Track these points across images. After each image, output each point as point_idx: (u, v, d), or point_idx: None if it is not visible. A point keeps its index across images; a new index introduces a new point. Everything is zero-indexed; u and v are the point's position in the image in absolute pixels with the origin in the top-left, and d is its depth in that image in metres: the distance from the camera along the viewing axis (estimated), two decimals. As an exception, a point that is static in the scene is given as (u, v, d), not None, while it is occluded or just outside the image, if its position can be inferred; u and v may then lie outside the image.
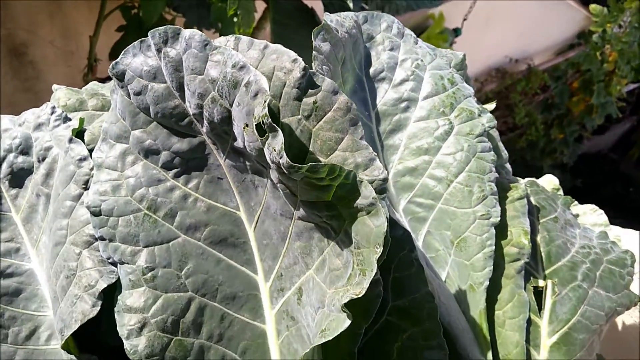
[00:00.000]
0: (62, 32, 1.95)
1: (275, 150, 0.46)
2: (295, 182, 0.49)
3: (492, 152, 0.68)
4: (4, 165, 0.66)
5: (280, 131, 0.46)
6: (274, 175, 0.52)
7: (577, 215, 0.80)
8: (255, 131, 0.48)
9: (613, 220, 0.80)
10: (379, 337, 0.56)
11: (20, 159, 0.66)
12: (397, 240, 0.57)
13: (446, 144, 0.68)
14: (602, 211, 0.80)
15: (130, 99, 0.56)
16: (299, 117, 0.51)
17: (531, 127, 4.30)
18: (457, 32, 3.30)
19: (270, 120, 0.46)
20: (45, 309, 0.64)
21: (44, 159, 0.65)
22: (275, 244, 0.57)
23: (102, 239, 0.55)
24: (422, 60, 0.72)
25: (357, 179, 0.48)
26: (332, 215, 0.50)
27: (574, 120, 4.43)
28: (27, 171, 0.66)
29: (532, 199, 0.74)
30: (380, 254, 0.47)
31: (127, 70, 0.55)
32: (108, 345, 0.58)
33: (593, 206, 0.81)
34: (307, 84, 0.51)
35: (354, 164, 0.50)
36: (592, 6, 3.49)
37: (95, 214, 0.55)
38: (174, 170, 0.57)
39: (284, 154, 0.45)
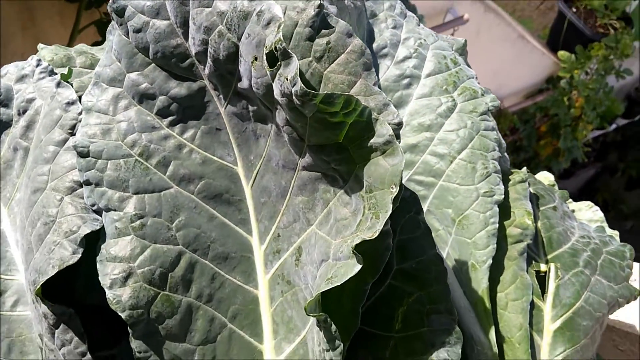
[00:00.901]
0: (34, 45, 1.91)
1: (287, 78, 0.43)
2: (304, 121, 0.46)
3: (496, 132, 0.66)
4: (-20, 116, 0.62)
5: (294, 57, 0.43)
6: (280, 117, 0.49)
7: (572, 211, 0.79)
8: (265, 63, 0.45)
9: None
10: (382, 301, 0.52)
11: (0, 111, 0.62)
12: (403, 202, 0.54)
13: (449, 121, 0.66)
14: (597, 208, 0.79)
15: (128, 38, 0.53)
16: (310, 59, 0.48)
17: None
18: None
19: (284, 45, 0.43)
20: (13, 272, 0.59)
21: (24, 112, 0.61)
22: (273, 202, 0.53)
23: (87, 183, 0.51)
24: (425, 40, 0.70)
25: (373, 116, 0.45)
26: (342, 159, 0.47)
27: (541, 163, 4.51)
28: (5, 124, 0.62)
29: (530, 189, 0.72)
30: (396, 194, 0.43)
31: (129, 5, 0.52)
32: (83, 305, 0.53)
33: (589, 203, 0.80)
34: (320, 23, 0.48)
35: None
36: (561, 53, 3.62)
37: (83, 154, 0.51)
38: (170, 118, 0.54)
39: (299, 79, 0.42)
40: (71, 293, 0.54)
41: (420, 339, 0.50)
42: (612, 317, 0.88)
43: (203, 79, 0.53)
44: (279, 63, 0.44)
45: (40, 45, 0.68)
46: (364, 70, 0.48)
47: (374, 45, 0.69)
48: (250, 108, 0.52)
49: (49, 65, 0.63)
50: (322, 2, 0.48)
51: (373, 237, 0.43)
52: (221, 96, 0.53)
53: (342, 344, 0.45)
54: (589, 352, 0.62)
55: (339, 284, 0.43)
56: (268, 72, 0.45)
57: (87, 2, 1.55)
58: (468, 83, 0.68)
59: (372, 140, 0.45)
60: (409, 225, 0.53)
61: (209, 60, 0.51)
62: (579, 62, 3.61)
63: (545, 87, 4.53)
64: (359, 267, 0.43)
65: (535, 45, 4.15)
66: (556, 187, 0.79)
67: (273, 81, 0.46)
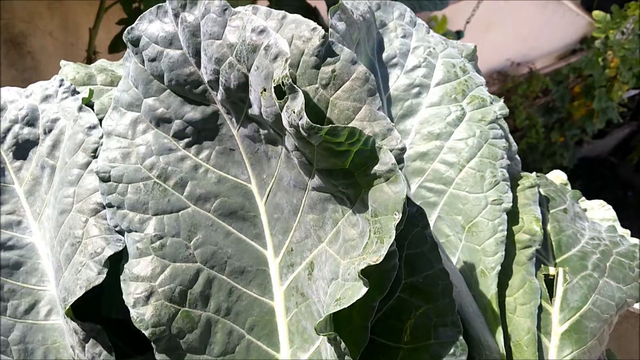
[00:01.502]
0: (62, 23, 1.94)
1: (294, 112, 0.46)
2: (312, 148, 0.48)
3: (504, 140, 0.68)
4: (9, 136, 0.65)
5: (300, 92, 0.45)
6: (289, 142, 0.51)
7: (585, 210, 0.80)
8: (273, 95, 0.47)
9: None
10: (391, 314, 0.55)
11: (26, 130, 0.65)
12: (411, 217, 0.56)
13: (458, 130, 0.68)
14: (610, 207, 0.80)
15: (144, 65, 0.55)
16: (317, 85, 0.50)
17: (531, 129, 4.30)
18: (459, 34, 3.32)
19: (290, 81, 0.45)
20: (45, 284, 0.63)
21: (50, 131, 0.64)
22: (286, 218, 0.56)
23: (110, 206, 0.54)
24: (434, 48, 0.71)
25: (376, 145, 0.47)
26: (349, 183, 0.49)
27: (575, 124, 4.44)
28: (33, 143, 0.65)
29: (541, 191, 0.73)
30: (399, 221, 0.46)
31: (143, 36, 0.54)
32: (110, 318, 0.56)
33: (601, 201, 0.81)
34: (326, 52, 0.50)
35: (372, 134, 0.49)
36: (595, 12, 3.51)
37: (104, 179, 0.54)
38: (186, 140, 0.56)
39: (304, 114, 0.45)
40: (98, 308, 0.57)
41: (427, 350, 0.52)
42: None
43: (216, 104, 0.55)
44: (286, 96, 0.46)
45: (62, 62, 0.71)
46: (368, 96, 0.50)
47: (384, 54, 0.71)
48: (262, 131, 0.54)
49: (71, 84, 0.66)
50: (326, 33, 0.50)
51: (378, 262, 0.45)
52: (234, 119, 0.55)
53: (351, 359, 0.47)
54: (597, 353, 0.64)
55: (346, 305, 0.46)
56: (276, 103, 0.48)
57: None
58: (477, 91, 0.69)
59: (375, 167, 0.47)
60: (417, 240, 0.55)
61: (220, 88, 0.53)
62: (614, 22, 3.51)
63: (579, 48, 4.42)
64: (366, 289, 0.45)
65: (568, 5, 4.04)
66: (568, 187, 0.80)
67: (281, 111, 0.48)
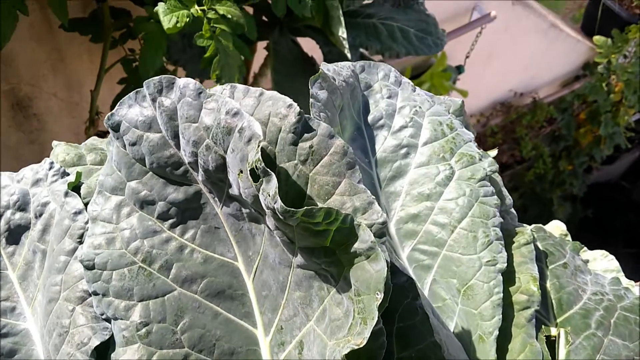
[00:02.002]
0: (65, 84, 1.98)
1: (269, 195, 0.45)
2: (291, 228, 0.48)
3: (495, 197, 0.67)
4: (2, 222, 0.65)
5: (273, 175, 0.45)
6: (270, 221, 0.50)
7: (587, 261, 0.78)
8: (249, 177, 0.47)
9: (627, 250, 0.78)
10: (385, 391, 0.53)
11: (18, 215, 0.65)
12: (400, 288, 0.55)
13: (448, 190, 0.67)
14: (612, 257, 0.78)
15: (125, 149, 0.55)
16: (295, 162, 0.50)
17: (539, 159, 4.26)
18: (460, 69, 3.32)
19: (263, 164, 0.45)
20: (39, 371, 0.62)
21: (40, 215, 0.64)
22: (274, 295, 0.55)
23: (95, 293, 0.54)
24: (420, 107, 0.71)
25: (355, 222, 0.46)
26: (331, 261, 0.49)
27: (582, 151, 4.39)
28: (24, 227, 0.65)
29: (539, 245, 0.72)
30: (381, 300, 0.45)
31: (123, 121, 0.55)
32: (102, 406, 0.55)
33: (603, 252, 0.79)
34: (302, 128, 0.50)
35: (352, 208, 0.49)
36: (596, 37, 3.50)
37: (89, 267, 0.54)
38: (170, 221, 0.56)
39: (278, 198, 0.44)
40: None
41: None
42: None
43: (198, 184, 0.55)
44: (261, 180, 0.46)
45: (54, 143, 0.72)
46: (347, 170, 0.50)
47: (370, 117, 0.71)
48: (244, 210, 0.54)
49: (61, 167, 0.66)
50: (302, 111, 0.50)
51: (362, 345, 0.44)
52: (216, 199, 0.55)
53: None
54: (607, 417, 0.61)
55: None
56: (253, 185, 0.47)
57: (112, 41, 1.61)
58: (465, 148, 0.69)
59: (355, 245, 0.46)
60: (407, 312, 0.54)
61: (200, 169, 0.53)
62: (615, 46, 3.50)
63: (581, 74, 4.40)
64: (351, 372, 0.44)
65: (568, 32, 4.03)
66: (569, 237, 0.78)
67: (258, 193, 0.48)
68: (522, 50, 3.99)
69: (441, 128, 0.70)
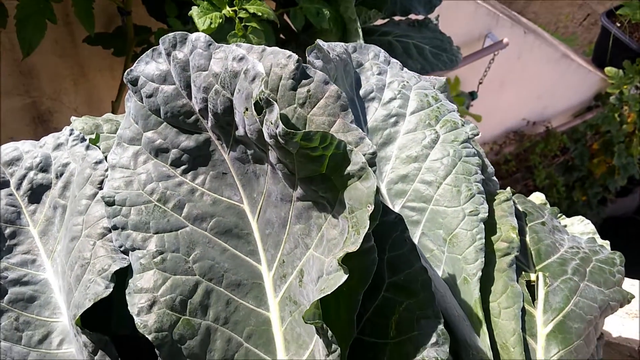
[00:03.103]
0: (86, 99, 2.05)
1: (272, 123, 0.52)
2: (292, 157, 0.54)
3: (477, 158, 0.73)
4: (25, 182, 0.71)
5: (275, 104, 0.52)
6: (272, 156, 0.57)
7: (565, 226, 0.84)
8: (254, 112, 0.54)
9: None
10: (377, 313, 0.58)
11: (40, 175, 0.71)
12: (391, 224, 0.61)
13: (433, 151, 0.73)
14: (589, 221, 0.84)
15: (142, 102, 0.62)
16: (295, 105, 0.57)
17: (552, 189, 4.29)
18: (473, 95, 3.39)
19: (266, 95, 0.52)
20: (58, 316, 0.67)
21: (61, 175, 0.70)
22: (276, 232, 0.61)
23: (115, 228, 0.60)
24: (407, 82, 0.79)
25: (348, 148, 0.53)
26: (327, 187, 0.55)
27: (596, 182, 4.41)
28: (46, 187, 0.71)
29: (519, 207, 0.78)
30: (372, 211, 0.51)
31: (141, 76, 0.61)
32: (117, 336, 0.60)
33: (580, 217, 0.85)
34: (300, 75, 0.57)
35: (346, 142, 0.55)
36: (608, 69, 3.57)
37: (109, 203, 0.60)
38: (182, 167, 0.62)
39: (280, 123, 0.51)
40: (107, 326, 0.61)
41: (412, 342, 0.55)
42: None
43: (207, 131, 0.62)
44: (264, 110, 0.52)
45: (72, 118, 0.79)
46: (341, 111, 0.56)
47: (362, 90, 0.78)
48: (249, 152, 0.60)
49: (80, 133, 0.73)
50: (300, 58, 0.57)
51: (355, 250, 0.50)
52: (224, 144, 0.61)
53: (339, 348, 0.51)
54: (583, 354, 0.66)
55: (329, 292, 0.50)
56: (257, 119, 0.54)
57: (132, 55, 1.69)
58: (449, 116, 0.75)
59: (349, 168, 0.53)
60: (397, 243, 0.60)
61: (210, 114, 0.59)
62: (627, 77, 3.58)
63: (594, 105, 4.46)
64: (346, 277, 0.50)
65: (580, 63, 4.10)
66: (547, 206, 0.85)
67: (262, 126, 0.54)
68: (535, 79, 4.07)
69: (427, 99, 0.77)
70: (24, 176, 0.72)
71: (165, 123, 0.62)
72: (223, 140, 0.61)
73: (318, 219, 0.57)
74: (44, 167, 0.72)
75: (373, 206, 0.51)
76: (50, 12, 1.31)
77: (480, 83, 3.44)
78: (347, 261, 0.51)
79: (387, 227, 0.61)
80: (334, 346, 0.51)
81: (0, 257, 0.68)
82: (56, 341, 0.66)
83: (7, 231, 0.70)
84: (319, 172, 0.54)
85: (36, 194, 0.71)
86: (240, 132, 0.58)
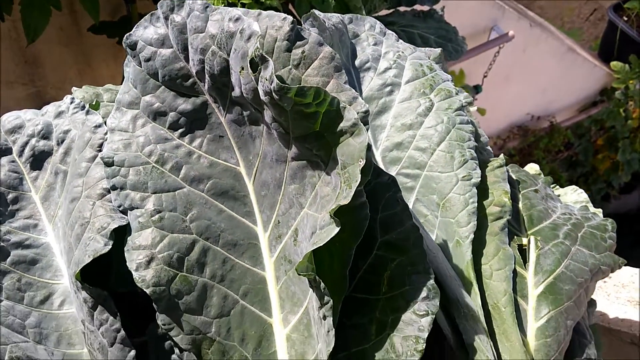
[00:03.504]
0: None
1: (267, 79, 0.53)
2: (286, 115, 0.55)
3: (470, 125, 0.74)
4: (27, 149, 0.73)
5: (270, 60, 0.53)
6: (268, 115, 0.58)
7: (558, 196, 0.85)
8: (249, 70, 0.55)
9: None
10: (370, 271, 0.60)
11: (41, 142, 0.73)
12: (384, 185, 0.62)
13: (428, 119, 0.75)
14: (582, 190, 0.85)
15: (141, 67, 0.63)
16: (290, 67, 0.58)
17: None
18: (477, 89, 3.37)
19: (261, 52, 0.53)
20: (59, 278, 0.69)
21: (62, 141, 0.72)
22: (272, 193, 0.62)
23: (114, 188, 0.61)
24: (403, 52, 0.80)
25: (341, 105, 0.54)
26: (321, 144, 0.56)
27: (600, 178, 4.37)
28: (47, 154, 0.73)
29: (513, 175, 0.79)
30: (364, 165, 0.52)
31: (139, 40, 0.63)
32: (116, 292, 0.62)
33: (574, 187, 0.86)
34: (295, 36, 0.58)
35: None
36: (614, 63, 3.54)
37: (108, 164, 0.61)
38: (180, 130, 0.64)
39: (274, 77, 0.52)
40: (105, 284, 0.62)
41: (403, 297, 0.57)
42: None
43: (204, 94, 0.63)
44: (259, 67, 0.54)
45: (73, 89, 0.80)
46: (335, 72, 0.57)
47: (357, 61, 0.79)
48: (245, 113, 0.61)
49: (81, 101, 0.74)
50: (295, 20, 0.58)
51: (347, 203, 0.51)
52: (220, 107, 0.63)
53: (331, 300, 0.52)
54: (574, 315, 0.67)
55: (321, 244, 0.51)
56: (252, 77, 0.55)
57: None
58: (443, 85, 0.77)
59: (341, 125, 0.54)
60: (389, 203, 0.61)
61: (206, 76, 0.61)
62: (633, 72, 3.55)
63: (599, 100, 4.41)
64: (337, 229, 0.51)
65: (586, 57, 4.09)
66: (541, 175, 0.86)
67: (257, 84, 0.55)
68: (540, 73, 4.05)
69: (422, 69, 0.78)
70: (26, 143, 0.73)
71: (163, 87, 0.63)
72: (220, 103, 0.62)
73: (312, 178, 0.58)
74: (46, 134, 0.73)
75: (364, 160, 0.52)
76: (55, -1, 1.33)
77: (485, 76, 3.44)
78: (340, 216, 0.52)
79: (380, 188, 0.62)
80: (326, 298, 0.52)
81: (3, 221, 0.70)
82: (57, 302, 0.67)
83: (10, 196, 0.71)
84: (312, 130, 0.56)
85: (38, 161, 0.73)
86: (236, 92, 0.60)
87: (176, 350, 0.60)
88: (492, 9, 3.42)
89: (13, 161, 0.73)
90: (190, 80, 0.62)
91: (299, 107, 0.54)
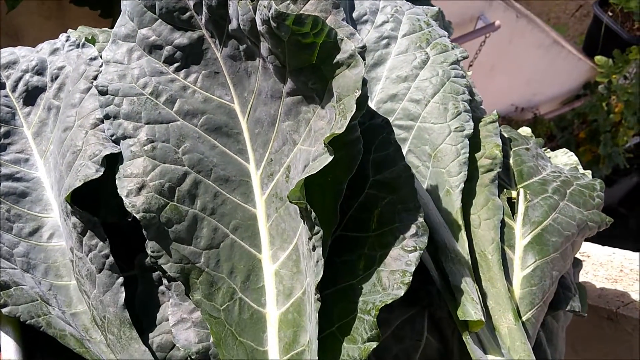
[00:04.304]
0: None
1: (265, 6, 0.53)
2: (283, 46, 0.55)
3: (465, 79, 0.75)
4: (20, 84, 0.72)
5: (269, -14, 0.53)
6: (264, 47, 0.58)
7: (549, 158, 0.86)
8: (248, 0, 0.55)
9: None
10: (361, 209, 0.60)
11: (35, 78, 0.72)
12: (377, 127, 0.62)
13: (423, 72, 0.75)
14: (572, 153, 0.85)
15: (139, -1, 0.63)
16: (288, 2, 0.58)
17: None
18: None
19: (261, -22, 0.53)
20: (49, 212, 0.68)
21: (56, 77, 0.71)
22: (265, 130, 0.62)
23: (107, 117, 0.61)
24: (400, 7, 0.80)
25: (338, 37, 0.54)
26: (317, 78, 0.56)
27: None
28: (41, 89, 0.72)
29: (505, 134, 0.80)
30: (359, 96, 0.52)
31: (138, -29, 0.62)
32: (105, 222, 0.62)
33: (564, 149, 0.87)
34: (295, -29, 0.58)
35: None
36: (597, 57, 3.56)
37: (102, 92, 0.61)
38: (175, 65, 0.63)
39: (273, 4, 0.52)
40: (95, 214, 0.62)
41: (392, 233, 0.57)
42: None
43: (201, 29, 0.63)
44: (258, -5, 0.54)
45: (70, 30, 0.80)
46: (333, 9, 0.57)
47: (355, 13, 0.79)
48: (241, 47, 0.61)
49: (76, 39, 0.74)
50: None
51: (341, 132, 0.51)
52: (217, 42, 0.63)
53: (321, 230, 0.53)
54: (559, 266, 0.68)
55: (314, 172, 0.51)
56: (250, 7, 0.55)
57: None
58: (440, 40, 0.77)
59: (338, 57, 0.54)
60: (382, 145, 0.62)
61: (204, 9, 0.61)
62: (616, 67, 3.58)
63: (582, 93, 4.41)
64: (331, 158, 0.51)
65: (570, 50, 4.07)
66: (533, 137, 0.86)
67: (255, 14, 0.55)
68: (525, 65, 4.05)
69: (419, 23, 0.78)
70: (20, 78, 0.73)
71: (160, 20, 0.63)
72: (216, 37, 0.62)
73: (306, 114, 0.59)
74: (40, 70, 0.73)
75: (360, 91, 0.52)
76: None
77: (470, 65, 3.44)
78: (334, 147, 0.52)
79: (374, 129, 0.62)
80: (316, 228, 0.53)
81: (-6, 154, 0.69)
82: (46, 235, 0.67)
83: (2, 130, 0.71)
84: (309, 63, 0.56)
85: (31, 96, 0.72)
86: (233, 25, 0.60)
87: (164, 281, 0.60)
88: (479, -1, 3.44)
89: (6, 96, 0.73)
90: (188, 13, 0.62)
91: (296, 37, 0.54)
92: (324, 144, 0.51)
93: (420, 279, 0.67)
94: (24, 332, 0.62)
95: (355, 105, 0.52)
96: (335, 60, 0.54)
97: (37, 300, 0.61)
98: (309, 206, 0.52)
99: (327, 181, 0.56)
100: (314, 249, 0.54)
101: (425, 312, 0.67)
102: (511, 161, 0.76)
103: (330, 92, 0.55)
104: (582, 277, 1.13)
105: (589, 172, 0.82)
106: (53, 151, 0.68)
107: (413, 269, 0.55)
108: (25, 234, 0.66)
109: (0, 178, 0.68)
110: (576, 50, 4.20)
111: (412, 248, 0.56)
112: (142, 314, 0.61)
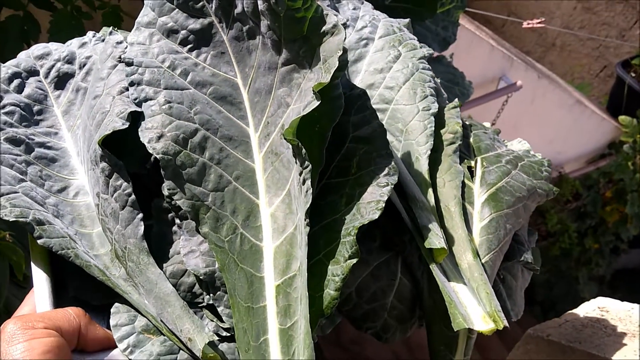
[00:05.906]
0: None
1: (266, -14, 0.67)
2: (280, 20, 0.69)
3: (431, 71, 0.88)
4: (52, 71, 0.85)
5: (270, -27, 0.67)
6: (264, 25, 0.71)
7: (505, 142, 0.99)
8: (252, -15, 0.69)
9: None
10: (343, 159, 0.72)
11: (65, 66, 0.85)
12: (356, 95, 0.75)
13: (396, 64, 0.89)
14: (526, 141, 0.98)
15: (160, -7, 0.77)
16: (283, -9, 0.72)
17: (564, 234, 4.25)
18: None
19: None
20: (75, 175, 0.80)
21: (84, 65, 0.84)
22: (263, 98, 0.75)
23: (132, 84, 0.73)
24: (377, 16, 0.95)
25: (324, 12, 0.68)
26: (307, 47, 0.69)
27: (609, 230, 4.34)
28: (70, 75, 0.85)
29: (466, 122, 0.93)
30: (341, 54, 0.65)
31: (160, -30, 0.76)
32: (128, 172, 0.73)
33: (519, 138, 1.00)
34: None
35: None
36: (622, 117, 3.60)
37: (129, 64, 0.73)
38: (189, 46, 0.76)
39: (273, -17, 0.66)
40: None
41: (368, 174, 0.69)
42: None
43: (211, 16, 0.76)
44: (260, -23, 0.68)
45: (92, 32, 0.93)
46: (319, -5, 0.71)
47: (339, 19, 0.93)
48: (244, 28, 0.75)
49: (102, 35, 0.87)
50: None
51: (326, 81, 0.64)
52: (224, 25, 0.76)
53: (310, 165, 0.64)
54: (512, 221, 0.80)
55: (305, 113, 0.64)
56: (254, -9, 0.69)
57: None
58: (410, 41, 0.91)
59: (324, 27, 0.67)
60: (360, 108, 0.74)
61: (214, -2, 0.74)
62: None
63: (607, 153, 4.41)
64: (318, 102, 0.64)
65: (594, 110, 4.10)
66: (491, 128, 1.00)
67: (257, -4, 0.69)
68: (548, 124, 4.06)
69: (392, 28, 0.93)
70: (52, 67, 0.85)
71: (177, 9, 0.77)
72: (224, 22, 0.76)
73: (298, 79, 0.71)
74: (70, 60, 0.85)
75: (342, 51, 0.65)
76: None
77: (493, 124, 3.50)
78: (320, 98, 0.65)
79: (353, 97, 0.75)
80: (306, 163, 0.65)
81: (29, 126, 0.81)
82: (72, 193, 0.78)
83: (35, 108, 0.83)
84: (300, 34, 0.69)
85: (61, 81, 0.85)
86: (238, 9, 0.73)
87: (177, 220, 0.71)
88: (501, 60, 3.47)
89: (39, 81, 0.85)
90: (201, 3, 0.76)
91: (291, 12, 0.67)
92: (313, 91, 0.64)
93: (395, 228, 0.78)
94: (53, 266, 0.72)
95: (337, 63, 0.65)
96: (322, 30, 0.68)
97: (67, 237, 0.71)
98: (300, 143, 0.64)
99: (314, 131, 0.69)
100: (304, 182, 0.65)
101: (399, 256, 0.78)
102: (471, 140, 0.89)
103: (317, 57, 0.68)
104: (601, 334, 1.15)
105: (539, 154, 0.95)
106: (80, 124, 0.80)
107: (385, 198, 0.66)
108: (55, 191, 0.77)
109: (34, 145, 0.79)
110: (600, 109, 4.23)
111: (385, 184, 0.67)
112: (157, 249, 0.71)
